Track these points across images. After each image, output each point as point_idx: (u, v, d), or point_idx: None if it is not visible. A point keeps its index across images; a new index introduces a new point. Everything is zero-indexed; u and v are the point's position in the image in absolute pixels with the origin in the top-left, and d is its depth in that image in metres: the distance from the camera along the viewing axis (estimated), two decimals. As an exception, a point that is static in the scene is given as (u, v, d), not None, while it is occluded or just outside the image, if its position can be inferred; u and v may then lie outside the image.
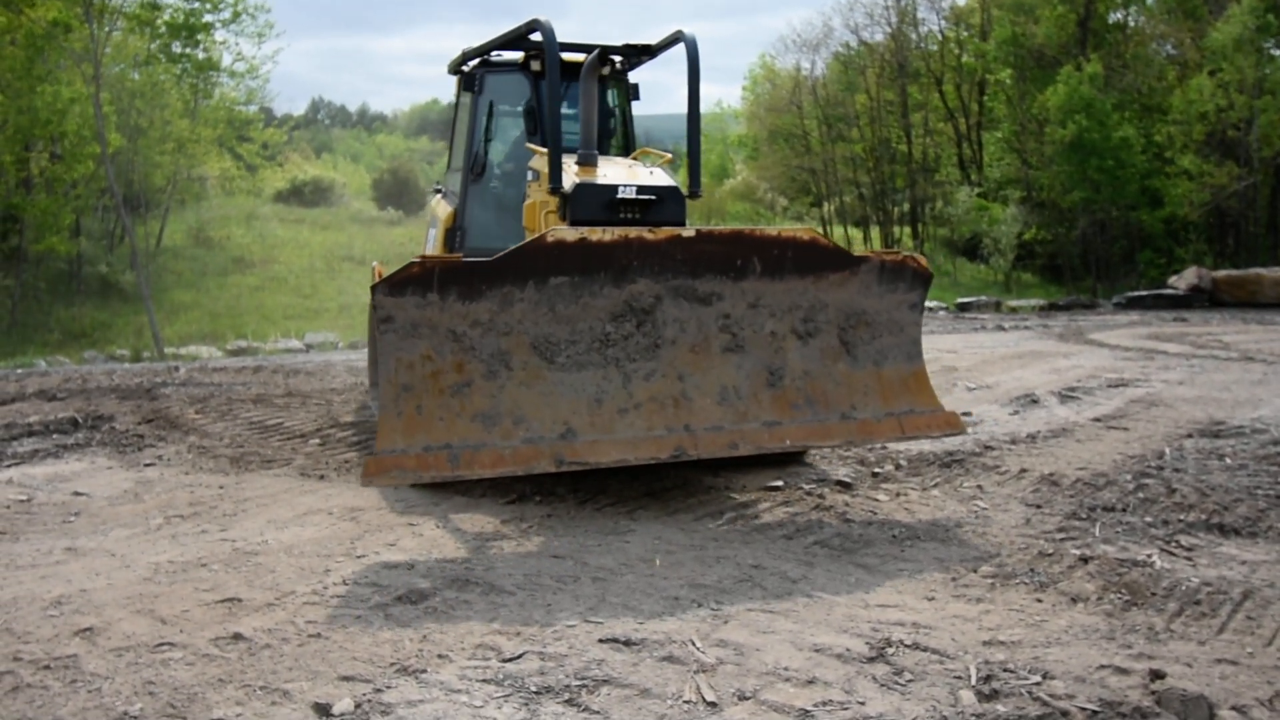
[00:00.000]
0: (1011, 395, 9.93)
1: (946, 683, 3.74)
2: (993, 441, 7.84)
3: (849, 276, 6.07)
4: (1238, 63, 25.90)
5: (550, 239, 5.54)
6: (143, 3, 29.40)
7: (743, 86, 51.18)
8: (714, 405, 5.81)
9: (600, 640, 4.11)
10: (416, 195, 47.77)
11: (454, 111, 8.96)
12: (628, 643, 4.08)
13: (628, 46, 8.15)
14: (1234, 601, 4.59)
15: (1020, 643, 4.16)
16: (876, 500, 6.27)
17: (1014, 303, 24.72)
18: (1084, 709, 3.52)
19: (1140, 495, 6.32)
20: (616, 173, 6.83)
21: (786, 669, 3.84)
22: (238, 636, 4.12)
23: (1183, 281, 24.29)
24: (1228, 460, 7.20)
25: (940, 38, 36.89)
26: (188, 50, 32.78)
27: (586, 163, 6.81)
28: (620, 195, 6.48)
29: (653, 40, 8.05)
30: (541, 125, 7.55)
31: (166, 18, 30.38)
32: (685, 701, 3.58)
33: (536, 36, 7.17)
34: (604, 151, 8.25)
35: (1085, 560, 5.11)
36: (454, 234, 8.17)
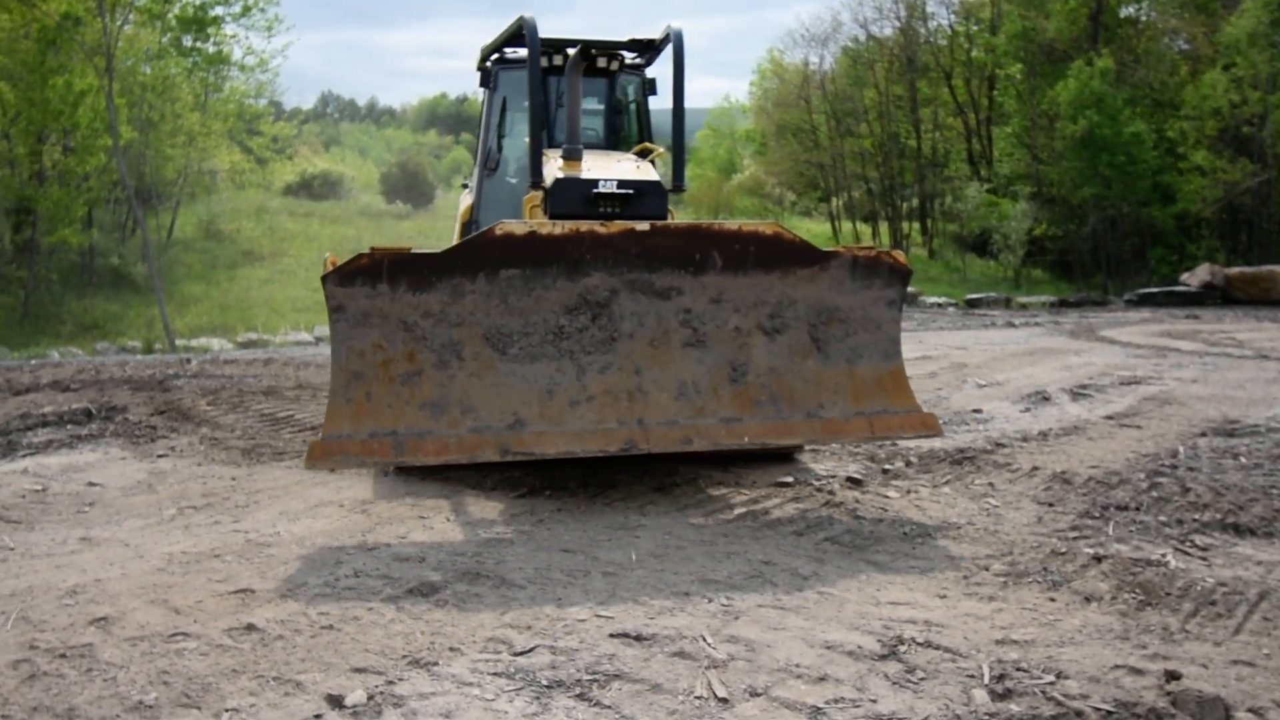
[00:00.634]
0: (1022, 392, 9.90)
1: (959, 681, 3.73)
2: (1004, 439, 7.82)
3: (818, 272, 5.97)
4: (1251, 57, 25.80)
5: (499, 232, 5.62)
6: (153, -5, 29.53)
7: (750, 81, 51.15)
8: (671, 400, 5.79)
9: (611, 635, 4.11)
10: (425, 189, 47.82)
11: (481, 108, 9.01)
12: (639, 637, 4.08)
13: (620, 42, 8.17)
14: (1250, 602, 4.57)
15: (1033, 642, 4.15)
16: (887, 497, 6.26)
17: (1024, 299, 24.68)
18: (1099, 709, 3.51)
19: (1154, 494, 6.30)
20: (600, 167, 6.87)
21: (798, 666, 3.84)
22: (251, 627, 4.13)
23: (1195, 278, 24.22)
24: (1242, 459, 7.18)
25: (950, 32, 36.83)
26: (198, 44, 32.90)
27: (571, 157, 6.89)
28: (600, 190, 6.55)
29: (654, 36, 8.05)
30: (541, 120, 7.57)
31: (177, 11, 30.49)
32: (696, 697, 3.58)
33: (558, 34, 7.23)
34: (614, 147, 8.26)
35: (1099, 559, 5.10)
36: (470, 228, 8.20)
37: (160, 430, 7.79)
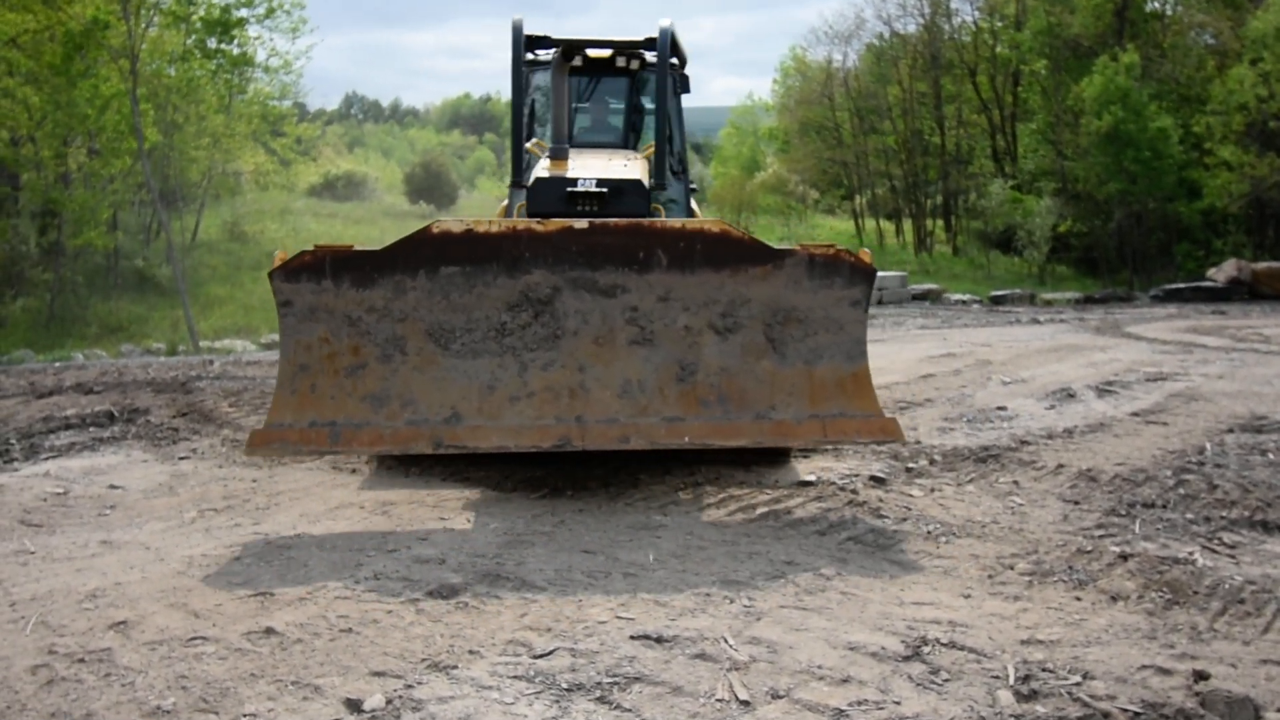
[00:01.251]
0: (1047, 389, 9.81)
1: (984, 682, 3.68)
2: (1029, 436, 7.74)
3: (772, 271, 5.87)
4: (1279, 52, 25.50)
5: (435, 230, 5.76)
6: (178, -1, 29.70)
7: (773, 79, 50.96)
8: (613, 398, 5.81)
9: (632, 637, 4.08)
10: (448, 189, 47.95)
11: None
12: (659, 639, 4.05)
13: (608, 41, 8.20)
14: (1279, 601, 4.50)
15: (1059, 642, 4.09)
16: (911, 496, 6.20)
17: (1049, 295, 24.50)
18: (1126, 710, 3.46)
19: (1181, 491, 6.22)
20: (586, 166, 6.88)
21: (820, 667, 3.79)
22: (270, 631, 4.12)
23: (1221, 274, 23.98)
24: (1270, 455, 7.08)
25: (974, 28, 36.59)
26: (223, 46, 33.08)
27: (557, 156, 6.95)
28: (579, 188, 6.56)
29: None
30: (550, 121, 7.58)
31: (202, 13, 30.67)
32: (718, 700, 3.54)
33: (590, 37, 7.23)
34: (635, 146, 8.23)
35: (1125, 558, 5.03)
36: None
37: (182, 432, 7.82)
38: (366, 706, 3.48)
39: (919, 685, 3.66)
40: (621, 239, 5.78)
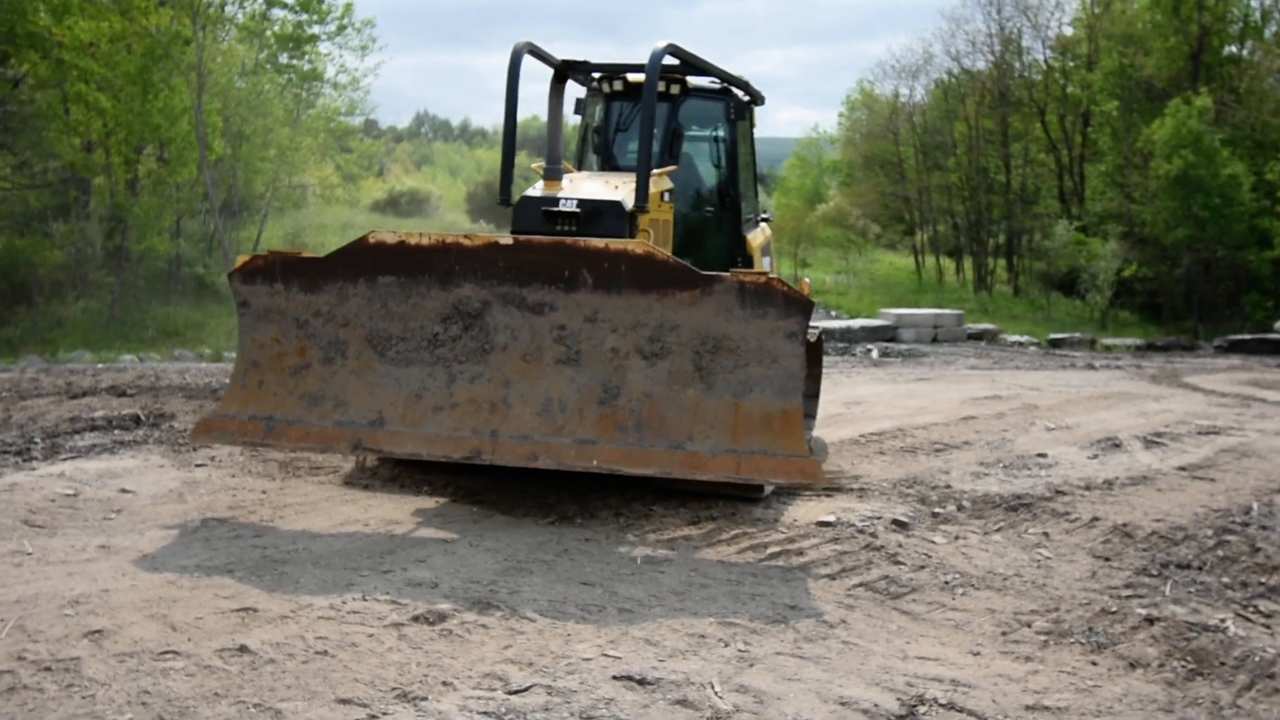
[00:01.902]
0: (1092, 438, 9.47)
1: (978, 748, 3.46)
2: (1066, 486, 7.44)
3: (700, 296, 5.68)
4: (1359, 101, 24.81)
5: (371, 240, 5.98)
6: (253, 14, 30.28)
7: (839, 112, 50.72)
8: (532, 415, 5.78)
9: (615, 677, 3.91)
10: (509, 209, 48.13)
11: None
12: (643, 681, 3.87)
13: (602, 65, 8.17)
14: (1311, 677, 4.21)
15: (1068, 709, 3.85)
16: (932, 543, 5.95)
17: (1109, 341, 23.92)
18: (1127, 789, 3.22)
19: (1220, 553, 5.91)
20: (579, 187, 6.93)
21: (807, 721, 3.59)
22: (243, 649, 4.01)
23: (1290, 326, 23.27)
24: (1320, 519, 6.73)
25: (1045, 67, 36.06)
26: (294, 61, 33.61)
27: (551, 177, 7.06)
28: (560, 208, 6.61)
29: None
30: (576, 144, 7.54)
31: (275, 29, 31.22)
32: (692, 750, 3.36)
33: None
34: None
35: (1151, 621, 4.76)
36: None
37: (204, 439, 7.78)
38: (323, 736, 3.35)
39: (908, 747, 3.45)
40: (546, 256, 5.79)
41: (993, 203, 36.09)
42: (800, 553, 5.59)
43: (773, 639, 4.39)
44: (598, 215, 6.59)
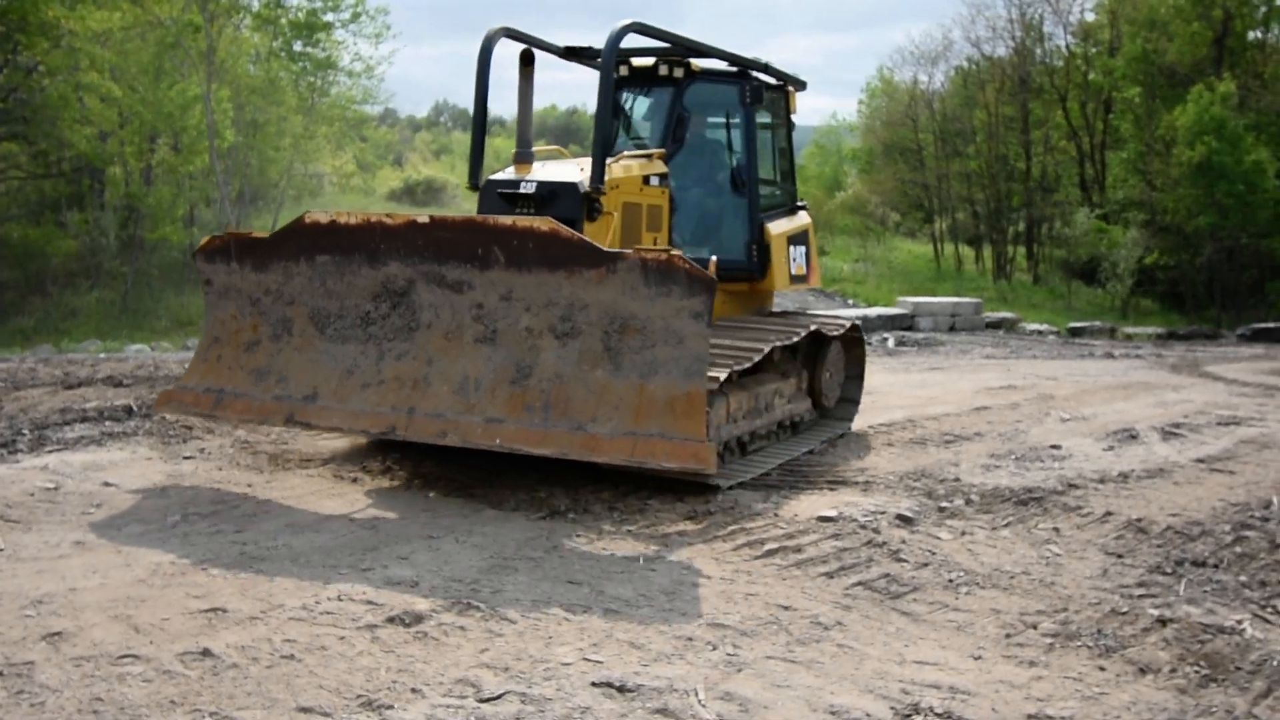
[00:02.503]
0: (1108, 429, 9.21)
1: (974, 763, 3.25)
2: (1079, 479, 7.19)
3: (605, 275, 5.57)
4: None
5: (307, 220, 6.11)
6: (267, 2, 30.10)
7: (859, 99, 50.32)
8: (449, 393, 5.82)
9: (593, 683, 3.72)
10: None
11: None
12: (622, 688, 3.68)
13: (564, 48, 8.40)
14: (1332, 684, 3.98)
15: (1071, 718, 3.64)
16: (937, 539, 5.73)
17: (1130, 329, 23.56)
18: (1131, 809, 3.00)
19: (1238, 549, 5.67)
20: (546, 170, 7.01)
21: (793, 732, 3.39)
22: (206, 653, 3.83)
23: (1316, 314, 22.86)
24: (1344, 515, 6.47)
25: (1066, 53, 35.56)
26: (308, 49, 33.44)
27: (521, 160, 7.06)
28: (520, 190, 6.73)
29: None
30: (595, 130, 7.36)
31: (290, 16, 31.04)
32: (668, 764, 3.16)
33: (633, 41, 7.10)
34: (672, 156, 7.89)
35: (1163, 622, 4.54)
36: None
37: (195, 431, 7.62)
38: (278, 748, 3.17)
39: (899, 761, 3.24)
40: (459, 234, 5.81)
41: (1013, 190, 35.64)
42: (798, 549, 5.38)
43: (764, 641, 4.20)
44: (554, 197, 6.64)
